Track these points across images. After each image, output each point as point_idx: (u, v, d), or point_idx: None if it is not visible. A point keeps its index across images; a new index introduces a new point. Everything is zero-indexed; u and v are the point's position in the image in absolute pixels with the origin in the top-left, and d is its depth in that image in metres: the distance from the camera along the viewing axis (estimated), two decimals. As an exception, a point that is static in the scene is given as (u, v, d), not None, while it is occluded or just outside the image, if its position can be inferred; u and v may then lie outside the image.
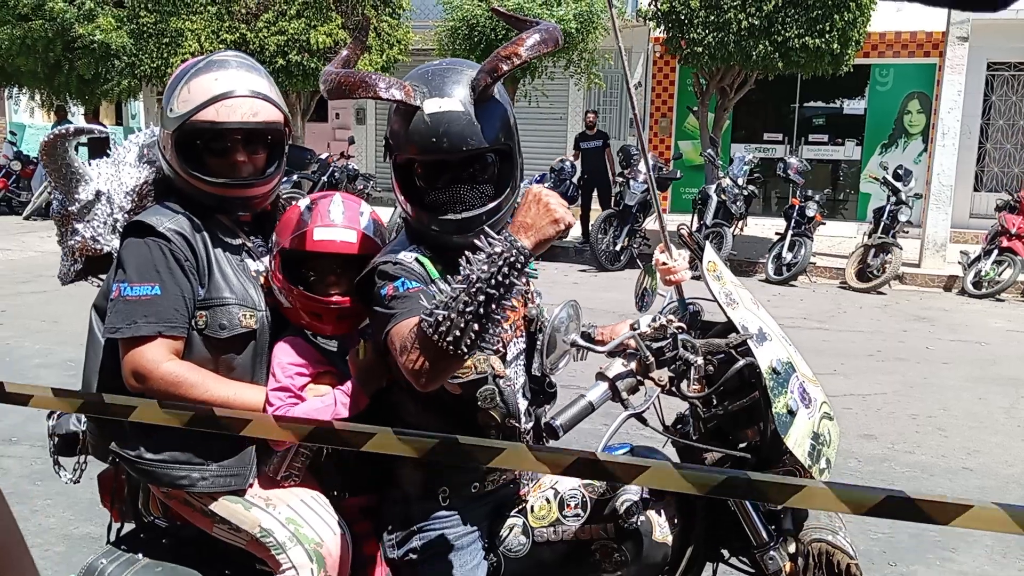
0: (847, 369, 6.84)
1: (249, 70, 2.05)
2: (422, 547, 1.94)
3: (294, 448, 2.04)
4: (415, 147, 1.83)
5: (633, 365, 1.81)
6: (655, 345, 1.83)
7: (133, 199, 2.20)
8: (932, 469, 4.86)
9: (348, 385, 1.95)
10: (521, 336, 2.03)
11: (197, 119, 1.98)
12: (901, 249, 10.63)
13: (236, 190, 2.06)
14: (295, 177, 12.47)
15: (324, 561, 1.96)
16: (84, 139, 13.41)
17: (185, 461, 1.97)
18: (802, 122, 15.93)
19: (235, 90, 1.99)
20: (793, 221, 11.02)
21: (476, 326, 1.61)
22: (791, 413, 1.78)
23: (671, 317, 1.89)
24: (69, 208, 2.20)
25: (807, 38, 11.34)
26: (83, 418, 2.23)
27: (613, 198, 12.45)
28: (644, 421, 1.85)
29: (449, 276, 1.87)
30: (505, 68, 1.81)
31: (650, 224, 11.88)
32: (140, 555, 2.08)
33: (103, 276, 2.24)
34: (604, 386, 1.79)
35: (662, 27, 12.62)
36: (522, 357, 2.03)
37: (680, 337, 1.84)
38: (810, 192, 11.33)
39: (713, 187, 11.52)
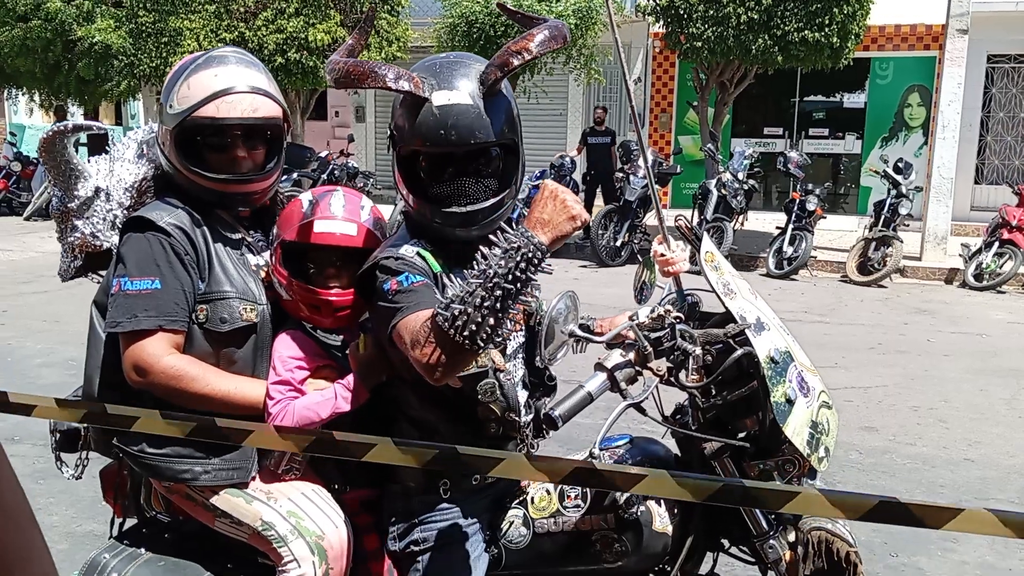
0: (848, 362, 6.84)
1: (248, 66, 2.06)
2: (423, 539, 1.95)
3: (295, 442, 2.05)
4: (422, 139, 1.83)
5: (631, 355, 1.82)
6: (653, 335, 1.84)
7: (132, 195, 2.20)
8: (934, 461, 4.86)
9: (348, 379, 1.96)
10: (521, 329, 2.04)
11: (197, 115, 1.99)
12: (902, 242, 10.63)
13: (236, 185, 2.07)
14: (295, 175, 12.48)
15: (326, 554, 1.96)
16: (83, 136, 13.44)
17: (187, 455, 1.98)
18: (802, 116, 15.92)
19: (235, 86, 2.00)
20: (794, 215, 11.02)
21: (492, 320, 1.62)
22: (789, 402, 1.79)
23: (669, 307, 1.90)
24: (68, 205, 2.21)
25: (806, 32, 11.33)
26: (85, 414, 2.23)
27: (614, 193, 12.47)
28: (643, 411, 1.85)
29: (451, 270, 1.87)
30: (516, 63, 1.82)
31: (650, 220, 11.88)
32: (143, 550, 2.09)
33: (103, 272, 2.25)
34: (603, 376, 1.80)
35: (661, 22, 12.61)
36: (522, 350, 2.03)
37: (678, 327, 1.84)
38: (810, 186, 11.32)
39: (713, 182, 11.51)
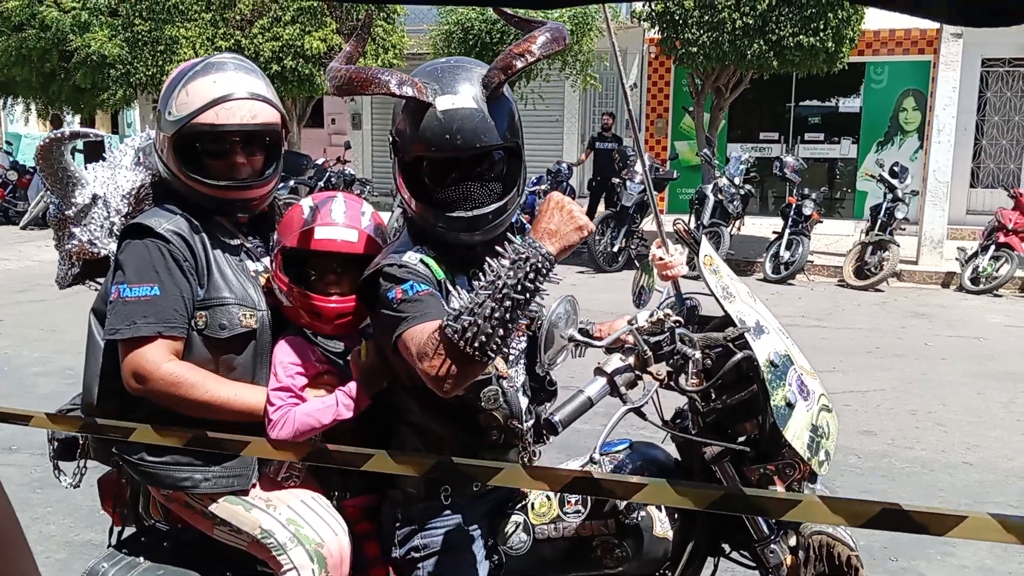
0: (846, 366, 6.84)
1: (247, 72, 2.06)
2: (424, 546, 1.95)
3: (294, 449, 2.04)
4: (427, 144, 1.82)
5: (631, 360, 1.81)
6: (653, 339, 1.83)
7: (130, 202, 2.20)
8: (932, 464, 4.86)
9: (350, 386, 1.96)
10: (523, 336, 2.03)
11: (196, 122, 1.98)
12: (898, 246, 10.63)
13: (235, 192, 2.06)
14: (291, 183, 12.47)
15: (325, 561, 1.96)
16: (80, 144, 13.41)
17: (187, 463, 1.98)
18: (798, 121, 15.95)
19: (234, 92, 2.00)
20: (790, 220, 11.03)
21: (502, 331, 1.63)
22: (789, 406, 1.78)
23: (668, 311, 1.90)
24: (66, 212, 2.20)
25: (801, 36, 11.35)
26: (83, 422, 2.23)
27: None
28: (643, 416, 1.85)
29: (454, 276, 1.87)
30: (519, 65, 1.82)
31: (647, 225, 11.89)
32: (141, 559, 2.09)
33: (101, 280, 2.24)
34: (602, 381, 1.79)
35: (657, 28, 12.63)
36: (523, 356, 2.03)
37: (677, 331, 1.84)
38: (807, 191, 11.34)
39: (710, 187, 11.52)
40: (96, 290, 2.22)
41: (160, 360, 1.91)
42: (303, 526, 1.98)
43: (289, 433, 1.90)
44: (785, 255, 10.94)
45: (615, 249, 11.37)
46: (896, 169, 11.20)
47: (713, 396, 1.89)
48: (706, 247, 1.98)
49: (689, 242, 2.09)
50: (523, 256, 1.65)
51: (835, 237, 13.63)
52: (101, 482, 2.29)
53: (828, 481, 3.83)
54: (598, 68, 14.28)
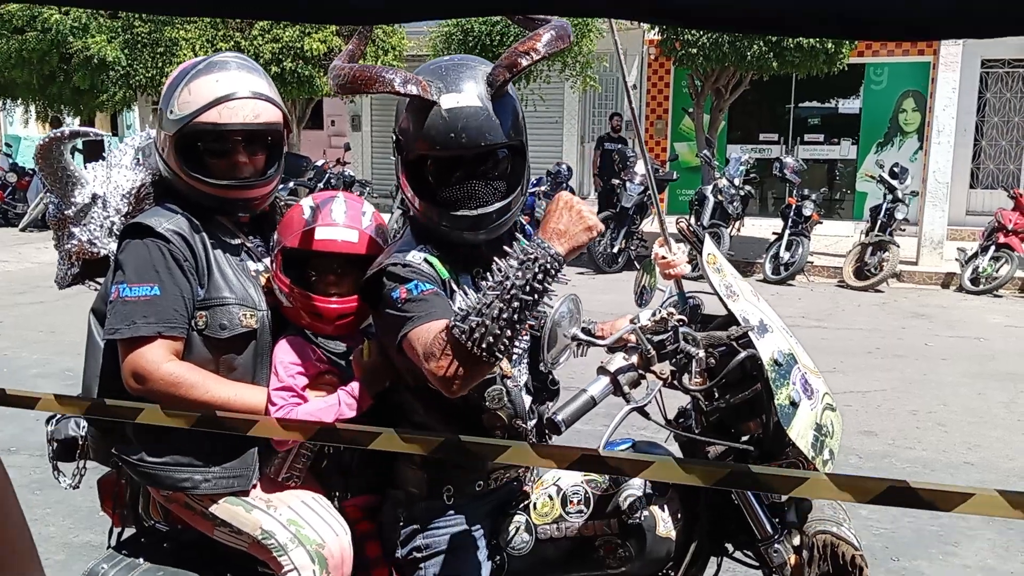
0: (846, 366, 6.83)
1: (250, 71, 2.05)
2: (426, 546, 1.94)
3: (295, 449, 2.04)
4: (431, 143, 1.81)
5: (634, 359, 1.80)
6: (656, 338, 1.82)
7: (130, 202, 2.19)
8: (933, 464, 4.85)
9: (352, 386, 1.95)
10: (526, 335, 2.02)
11: (199, 121, 1.97)
12: (898, 247, 10.62)
13: (237, 191, 2.05)
14: (291, 184, 12.46)
15: (326, 562, 1.95)
16: (80, 143, 13.40)
17: (187, 464, 1.97)
18: (797, 122, 15.94)
19: (237, 92, 1.99)
20: (790, 221, 11.02)
21: (509, 332, 1.62)
22: (793, 404, 1.78)
23: (672, 310, 1.89)
24: (65, 212, 2.19)
25: (801, 37, 11.35)
26: (82, 423, 2.22)
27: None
28: (646, 415, 1.84)
29: (458, 276, 1.86)
30: (524, 63, 1.81)
31: (647, 226, 11.88)
32: (141, 560, 2.08)
33: (100, 280, 2.23)
34: (605, 380, 1.78)
35: (656, 29, 12.62)
36: (526, 355, 2.02)
37: (681, 330, 1.83)
38: (807, 191, 11.33)
39: (710, 188, 11.52)
40: (96, 290, 2.21)
41: (160, 360, 1.90)
42: (304, 527, 1.97)
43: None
44: (785, 256, 10.93)
45: (615, 250, 11.36)
46: (896, 170, 11.19)
47: (716, 395, 1.88)
48: (709, 245, 1.98)
49: (692, 241, 2.08)
50: (532, 256, 1.64)
51: (835, 238, 13.62)
52: (100, 483, 2.28)
53: (830, 481, 3.81)
54: (598, 69, 14.28)
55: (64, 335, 7.24)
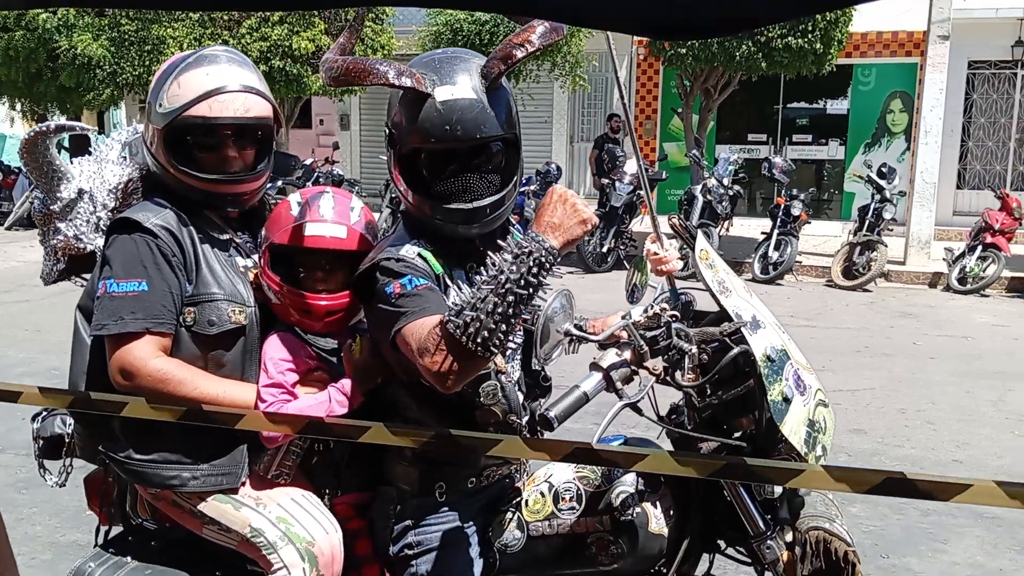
0: (835, 365, 6.85)
1: (240, 65, 2.03)
2: (418, 543, 1.92)
3: (285, 446, 2.02)
4: (426, 135, 1.80)
5: (627, 355, 1.79)
6: (649, 334, 1.81)
7: (117, 197, 2.17)
8: (922, 462, 4.87)
9: (343, 383, 1.93)
10: (519, 330, 2.01)
11: (188, 115, 1.95)
12: (886, 247, 10.67)
13: (226, 186, 2.03)
14: (280, 183, 12.41)
15: (316, 560, 1.93)
16: (66, 140, 13.30)
17: (175, 461, 1.94)
18: (786, 122, 15.99)
19: (227, 85, 1.97)
20: (779, 220, 11.05)
21: (504, 326, 1.61)
22: (786, 400, 1.77)
23: (664, 306, 1.88)
24: (51, 207, 2.17)
25: (790, 38, 11.39)
26: (69, 420, 2.20)
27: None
28: (639, 411, 1.83)
29: (451, 271, 1.85)
30: (519, 55, 1.80)
31: (636, 226, 11.89)
32: (129, 558, 2.05)
33: (86, 276, 2.21)
34: (598, 376, 1.77)
35: (645, 29, 12.62)
36: (519, 351, 2.01)
37: (674, 326, 1.82)
38: (795, 191, 11.36)
39: (699, 188, 11.53)
40: (82, 286, 2.18)
41: (148, 356, 1.88)
42: (293, 524, 1.95)
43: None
44: (774, 255, 10.96)
45: (604, 249, 11.37)
46: (884, 170, 11.24)
47: (709, 391, 1.87)
48: (702, 242, 1.97)
49: (685, 237, 2.07)
50: (526, 250, 1.63)
51: (823, 238, 13.67)
52: (87, 481, 2.25)
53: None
54: (587, 69, 14.28)
55: (50, 334, 7.18)
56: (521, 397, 1.98)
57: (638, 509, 1.92)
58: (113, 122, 21.44)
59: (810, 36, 11.38)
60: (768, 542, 1.89)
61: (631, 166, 11.53)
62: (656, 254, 2.09)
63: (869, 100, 15.41)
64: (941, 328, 8.52)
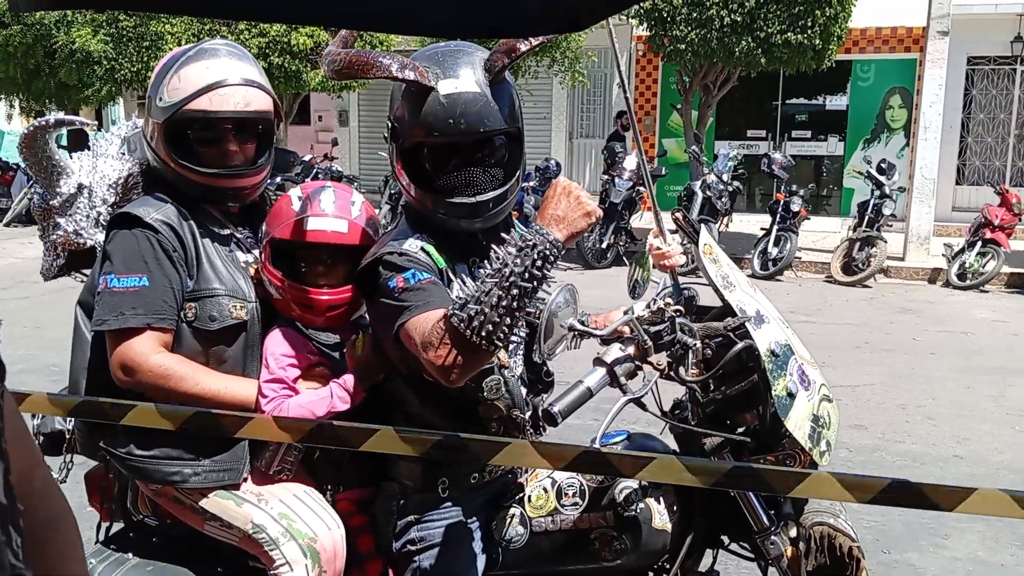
0: (835, 361, 6.84)
1: (240, 58, 2.02)
2: (420, 539, 1.92)
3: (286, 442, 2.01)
4: (429, 129, 1.79)
5: (631, 350, 1.79)
6: (653, 329, 1.81)
7: (116, 192, 2.16)
8: (923, 458, 4.87)
9: (345, 378, 1.92)
10: (521, 325, 2.00)
11: (189, 108, 1.94)
12: (886, 242, 10.66)
13: (227, 180, 2.02)
14: (278, 179, 12.39)
15: (318, 556, 1.92)
16: (64, 136, 13.24)
17: (176, 457, 1.94)
18: (785, 118, 15.98)
19: (228, 79, 1.96)
20: (778, 216, 11.03)
21: (509, 320, 1.60)
22: (791, 395, 1.76)
23: (668, 300, 1.87)
24: (51, 202, 2.15)
25: (789, 34, 11.36)
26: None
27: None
28: (643, 406, 1.82)
29: (454, 265, 1.84)
30: (523, 48, 1.79)
31: (635, 222, 11.88)
32: (130, 555, 2.04)
33: (86, 271, 2.20)
34: (602, 371, 1.76)
35: (644, 25, 12.62)
36: (521, 346, 2.00)
37: (678, 320, 1.81)
38: (794, 187, 11.35)
39: (698, 184, 11.51)
40: (82, 282, 2.17)
41: (149, 352, 1.87)
42: (296, 520, 1.94)
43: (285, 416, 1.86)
44: (773, 251, 10.95)
45: (603, 245, 11.35)
46: (883, 166, 11.23)
47: (713, 386, 1.86)
48: (705, 236, 1.96)
49: (688, 231, 2.06)
50: (530, 243, 1.62)
51: (822, 234, 13.66)
52: (88, 477, 2.24)
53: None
54: (586, 65, 14.26)
55: (49, 330, 7.16)
56: (524, 392, 1.97)
57: (641, 505, 1.91)
58: (111, 118, 21.40)
59: (809, 32, 11.36)
60: (772, 538, 1.88)
61: (630, 162, 11.51)
62: (659, 249, 2.08)
63: (868, 96, 15.40)
64: (941, 324, 8.52)
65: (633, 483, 1.92)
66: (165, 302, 1.90)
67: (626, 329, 1.83)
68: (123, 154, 2.21)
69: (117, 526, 2.22)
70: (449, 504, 1.93)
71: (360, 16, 0.80)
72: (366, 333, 1.96)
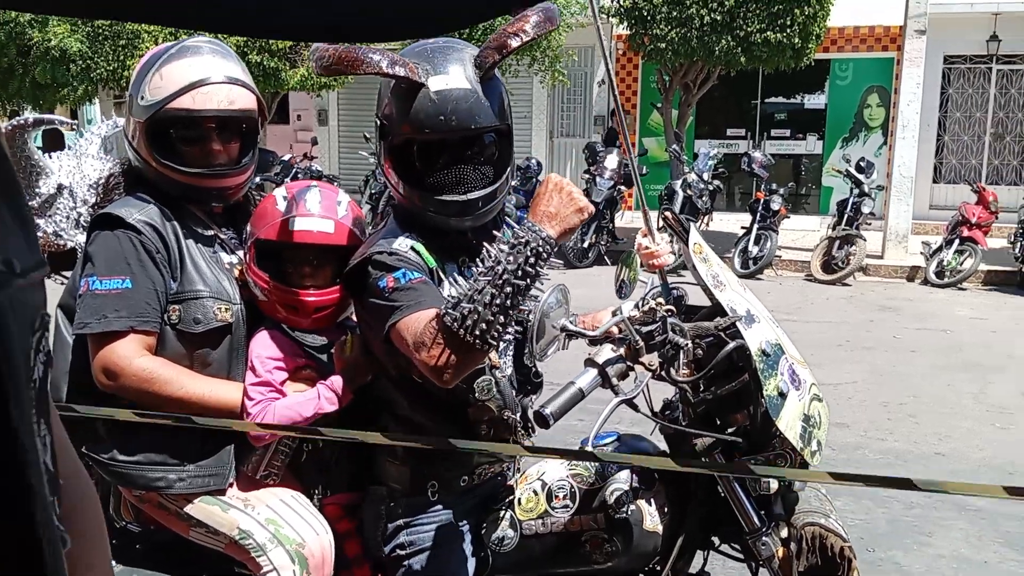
0: (817, 359, 6.86)
1: (223, 56, 1.99)
2: (410, 543, 1.89)
3: (273, 446, 1.98)
4: (419, 126, 1.77)
5: (622, 350, 1.77)
6: (644, 329, 1.79)
7: (97, 192, 2.12)
8: (905, 456, 4.90)
9: (332, 380, 1.90)
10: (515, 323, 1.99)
11: (171, 107, 1.91)
12: (865, 240, 10.74)
13: (210, 180, 1.99)
14: (258, 179, 12.29)
15: (306, 562, 1.90)
16: (39, 135, 13.05)
17: (160, 462, 1.90)
18: (764, 117, 16.05)
19: (211, 76, 1.93)
20: (758, 215, 11.08)
21: (502, 318, 1.58)
22: (782, 395, 1.76)
23: (660, 300, 1.85)
24: (30, 203, 2.11)
25: (768, 32, 11.42)
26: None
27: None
28: (635, 407, 1.81)
29: (444, 264, 1.82)
30: (514, 44, 1.77)
31: (617, 221, 11.90)
32: (113, 562, 2.00)
33: (66, 273, 2.16)
34: (594, 372, 1.75)
35: (624, 24, 12.64)
36: (511, 347, 1.98)
37: (669, 320, 1.80)
38: (774, 186, 11.41)
39: (679, 182, 11.55)
40: (62, 284, 2.13)
41: (132, 355, 1.84)
42: (283, 526, 1.91)
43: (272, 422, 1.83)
44: (753, 250, 10.99)
45: (585, 245, 11.36)
46: (862, 164, 11.30)
47: (703, 387, 1.85)
48: (695, 235, 1.95)
49: (678, 230, 2.05)
50: (523, 240, 1.60)
51: (802, 232, 13.73)
52: (69, 483, 2.20)
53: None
54: (567, 64, 14.26)
55: (25, 333, 7.07)
56: (513, 394, 1.95)
57: (632, 507, 1.90)
58: (87, 118, 21.17)
59: (789, 31, 11.42)
60: (763, 538, 1.87)
61: (611, 161, 11.53)
62: (647, 248, 2.07)
63: (846, 95, 15.50)
64: (921, 321, 8.59)
65: (624, 485, 1.91)
66: (148, 304, 1.86)
67: (617, 329, 1.82)
68: (103, 153, 2.17)
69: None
70: (439, 507, 1.91)
71: (216, 19, 0.80)
72: (354, 334, 1.94)
